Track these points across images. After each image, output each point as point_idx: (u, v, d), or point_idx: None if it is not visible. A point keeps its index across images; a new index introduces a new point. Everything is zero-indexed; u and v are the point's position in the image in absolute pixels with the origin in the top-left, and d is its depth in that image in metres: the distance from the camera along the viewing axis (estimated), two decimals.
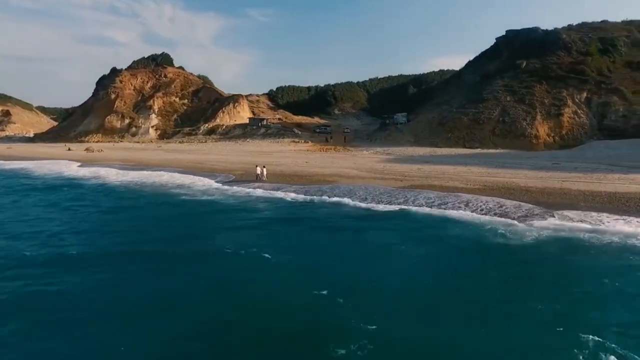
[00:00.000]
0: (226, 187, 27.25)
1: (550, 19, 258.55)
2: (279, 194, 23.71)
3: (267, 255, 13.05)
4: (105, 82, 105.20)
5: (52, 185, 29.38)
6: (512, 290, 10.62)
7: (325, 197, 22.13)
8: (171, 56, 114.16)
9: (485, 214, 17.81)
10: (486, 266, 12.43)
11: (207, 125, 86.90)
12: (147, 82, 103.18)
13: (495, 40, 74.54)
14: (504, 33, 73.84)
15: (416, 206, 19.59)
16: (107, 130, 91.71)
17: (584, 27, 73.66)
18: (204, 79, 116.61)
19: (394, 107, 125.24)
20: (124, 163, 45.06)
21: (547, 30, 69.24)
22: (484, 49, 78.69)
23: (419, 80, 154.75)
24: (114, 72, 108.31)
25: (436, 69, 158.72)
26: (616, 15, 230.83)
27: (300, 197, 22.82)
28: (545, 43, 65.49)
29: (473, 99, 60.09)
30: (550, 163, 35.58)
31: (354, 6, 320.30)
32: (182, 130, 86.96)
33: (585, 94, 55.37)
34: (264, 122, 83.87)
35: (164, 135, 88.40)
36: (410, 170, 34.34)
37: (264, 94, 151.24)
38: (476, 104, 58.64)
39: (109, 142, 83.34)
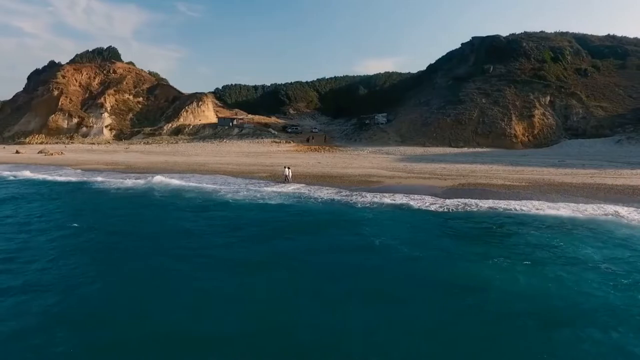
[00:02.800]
0: (301, 191, 25.40)
1: (488, 24, 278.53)
2: (378, 200, 22.13)
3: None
4: (43, 77, 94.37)
5: (201, 206, 21.99)
6: None
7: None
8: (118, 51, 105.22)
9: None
10: None
11: (170, 125, 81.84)
12: (94, 77, 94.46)
13: (460, 45, 79.62)
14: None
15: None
16: (51, 130, 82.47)
17: (533, 37, 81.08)
18: (155, 75, 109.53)
19: (348, 108, 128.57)
20: (114, 168, 41.05)
21: (508, 38, 75.31)
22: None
23: (367, 81, 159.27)
24: (53, 66, 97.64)
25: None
26: (534, 26, 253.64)
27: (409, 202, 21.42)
28: (507, 50, 71.23)
29: (451, 100, 63.54)
30: (557, 160, 39.06)
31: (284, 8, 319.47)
32: (143, 131, 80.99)
33: (549, 98, 61.21)
34: (235, 122, 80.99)
35: (121, 136, 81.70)
36: (436, 169, 35.63)
37: (210, 93, 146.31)
38: (455, 105, 62.12)
39: (56, 143, 75.13)
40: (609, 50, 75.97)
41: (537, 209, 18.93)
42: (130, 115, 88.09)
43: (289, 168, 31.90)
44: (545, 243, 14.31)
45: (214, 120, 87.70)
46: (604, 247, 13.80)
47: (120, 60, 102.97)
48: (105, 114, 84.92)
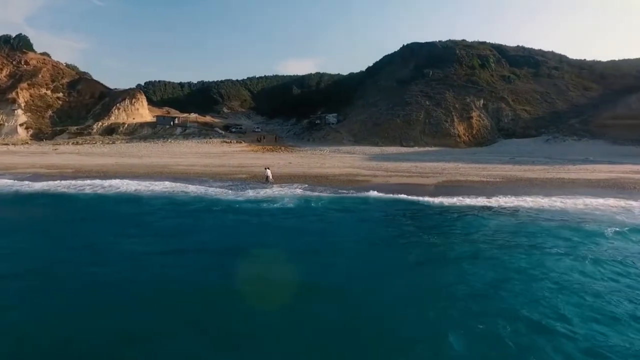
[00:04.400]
0: (304, 193, 24.48)
1: (404, 29, 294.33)
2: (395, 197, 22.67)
3: None
4: None
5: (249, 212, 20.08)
6: None
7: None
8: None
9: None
10: None
11: (100, 123, 74.61)
12: (2, 69, 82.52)
13: (399, 49, 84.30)
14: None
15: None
16: None
17: (459, 44, 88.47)
18: (74, 69, 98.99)
19: (284, 107, 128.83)
20: (61, 172, 36.41)
21: (444, 45, 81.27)
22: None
23: (300, 81, 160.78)
24: None
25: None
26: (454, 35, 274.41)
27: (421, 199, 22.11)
28: (443, 56, 76.92)
29: (398, 102, 66.91)
30: (508, 158, 43.32)
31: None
32: (68, 130, 72.74)
33: (482, 101, 67.41)
34: (177, 121, 76.41)
35: (40, 136, 72.52)
36: (409, 167, 37.46)
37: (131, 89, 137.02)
38: (402, 106, 65.55)
39: None
40: (524, 60, 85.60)
41: (562, 203, 20.83)
42: (50, 112, 78.58)
43: (268, 169, 31.52)
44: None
45: (149, 119, 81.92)
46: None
47: (32, 50, 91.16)
48: (19, 111, 74.70)
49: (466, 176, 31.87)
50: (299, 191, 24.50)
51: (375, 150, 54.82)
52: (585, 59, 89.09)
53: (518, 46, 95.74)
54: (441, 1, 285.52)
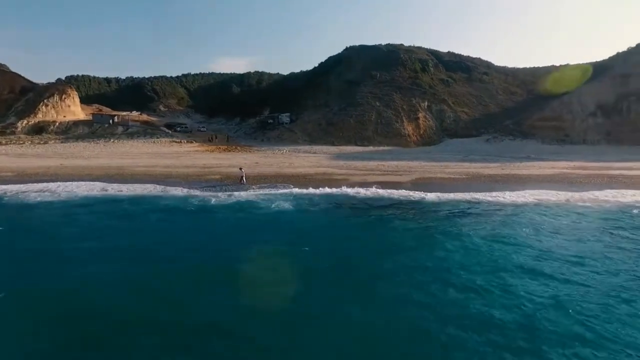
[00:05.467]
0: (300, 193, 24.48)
1: (335, 32, 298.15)
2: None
3: None
4: None
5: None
6: None
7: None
8: None
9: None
10: None
11: (26, 122, 66.93)
12: None
13: (344, 51, 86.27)
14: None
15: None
16: None
17: (400, 48, 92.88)
18: None
19: (224, 106, 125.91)
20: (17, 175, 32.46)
21: (388, 48, 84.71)
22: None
23: (239, 79, 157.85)
24: None
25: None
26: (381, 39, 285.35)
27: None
28: (388, 59, 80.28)
29: (350, 102, 68.59)
30: (462, 156, 46.59)
31: None
32: None
33: (426, 103, 71.57)
34: (117, 120, 70.99)
35: None
36: (377, 166, 39.02)
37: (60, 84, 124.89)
38: (354, 107, 67.34)
39: None
40: (457, 65, 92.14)
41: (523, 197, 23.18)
42: None
43: (242, 169, 31.33)
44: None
45: (83, 116, 75.29)
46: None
47: None
48: None
49: (434, 174, 33.98)
50: (293, 191, 24.49)
51: (333, 149, 55.82)
52: (506, 66, 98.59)
53: (449, 52, 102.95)
54: (374, 6, 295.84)
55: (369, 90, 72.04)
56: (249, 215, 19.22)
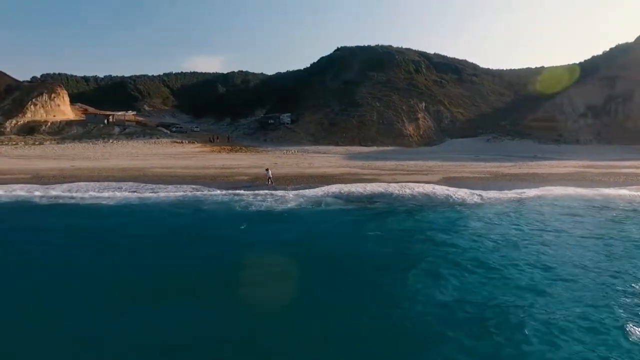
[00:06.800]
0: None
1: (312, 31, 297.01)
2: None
3: None
4: None
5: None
6: None
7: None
8: None
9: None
10: None
11: (14, 121, 64.04)
12: None
13: (336, 51, 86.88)
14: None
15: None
16: None
17: (391, 50, 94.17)
18: None
19: (211, 106, 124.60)
20: (17, 178, 31.03)
21: (384, 49, 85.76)
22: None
23: (223, 79, 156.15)
24: None
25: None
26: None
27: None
28: (384, 61, 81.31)
29: (350, 103, 69.13)
30: (473, 156, 47.84)
31: None
32: None
33: (424, 104, 72.94)
34: (112, 119, 68.84)
35: None
36: (397, 165, 39.45)
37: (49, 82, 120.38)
38: (355, 107, 67.92)
39: None
40: (446, 67, 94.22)
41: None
42: None
43: (269, 170, 31.06)
44: None
45: (72, 116, 72.79)
46: None
47: None
48: None
49: (458, 173, 34.72)
50: (340, 191, 24.53)
51: (340, 149, 56.18)
52: (490, 68, 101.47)
53: (436, 53, 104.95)
54: (345, 6, 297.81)
55: (367, 90, 72.79)
56: (334, 217, 19.00)
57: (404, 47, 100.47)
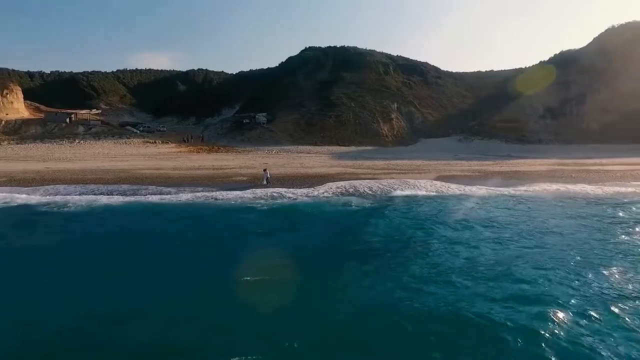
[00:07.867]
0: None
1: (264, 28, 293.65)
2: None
3: None
4: None
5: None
6: None
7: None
8: None
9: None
10: None
11: None
12: None
13: (307, 51, 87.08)
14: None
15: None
16: None
17: (359, 51, 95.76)
18: None
19: (171, 104, 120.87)
20: (7, 180, 28.44)
21: (357, 50, 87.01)
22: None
23: (184, 77, 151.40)
24: None
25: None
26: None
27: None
28: (356, 62, 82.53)
29: (326, 103, 69.57)
30: (452, 155, 49.82)
31: None
32: None
33: (396, 105, 74.90)
34: (74, 118, 64.45)
35: None
36: (388, 165, 40.27)
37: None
38: (331, 107, 68.47)
39: None
40: (412, 69, 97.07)
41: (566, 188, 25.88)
42: None
43: (266, 170, 30.92)
44: None
45: (27, 114, 67.65)
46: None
47: None
48: None
49: (448, 171, 35.96)
50: (351, 188, 24.72)
51: (321, 149, 56.42)
52: (450, 70, 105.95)
53: (399, 55, 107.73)
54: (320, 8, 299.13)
55: (341, 91, 73.61)
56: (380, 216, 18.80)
57: (367, 48, 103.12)
